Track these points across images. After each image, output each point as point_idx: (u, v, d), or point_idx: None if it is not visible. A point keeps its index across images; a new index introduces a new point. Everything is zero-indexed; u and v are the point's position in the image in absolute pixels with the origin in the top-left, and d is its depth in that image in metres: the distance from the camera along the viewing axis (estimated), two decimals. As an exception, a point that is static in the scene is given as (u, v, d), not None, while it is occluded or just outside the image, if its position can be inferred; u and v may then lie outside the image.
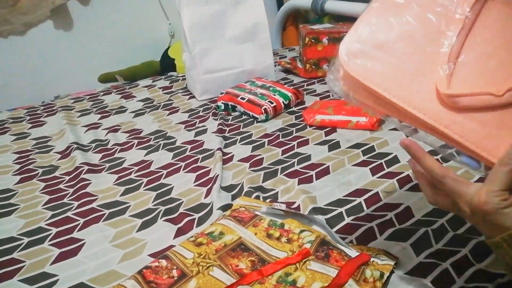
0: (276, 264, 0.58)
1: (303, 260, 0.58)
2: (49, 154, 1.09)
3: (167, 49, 1.99)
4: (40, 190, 0.90)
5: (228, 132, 1.12)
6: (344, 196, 0.77)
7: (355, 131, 1.04)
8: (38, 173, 0.98)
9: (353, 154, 0.93)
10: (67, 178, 0.95)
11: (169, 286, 0.55)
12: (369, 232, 0.67)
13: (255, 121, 1.17)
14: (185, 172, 0.92)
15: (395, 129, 1.05)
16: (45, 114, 1.38)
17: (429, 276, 0.56)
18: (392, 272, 0.57)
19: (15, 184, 0.94)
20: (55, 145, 1.14)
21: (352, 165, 0.88)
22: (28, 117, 1.36)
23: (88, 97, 1.52)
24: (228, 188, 0.84)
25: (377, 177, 0.82)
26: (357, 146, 0.97)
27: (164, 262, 0.59)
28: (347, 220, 0.70)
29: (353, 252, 0.60)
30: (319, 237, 0.62)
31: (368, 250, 0.61)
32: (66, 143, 1.12)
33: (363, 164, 0.88)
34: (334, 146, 0.98)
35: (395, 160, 0.88)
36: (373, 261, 0.58)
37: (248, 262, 0.59)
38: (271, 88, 1.27)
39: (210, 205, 0.77)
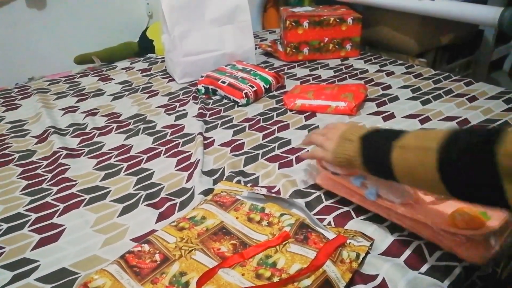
0: (257, 247, 0.60)
1: (283, 243, 0.60)
2: (25, 138, 1.06)
3: (145, 30, 1.95)
4: (17, 176, 0.89)
5: (209, 116, 1.12)
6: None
7: (334, 116, 1.06)
8: (15, 158, 0.96)
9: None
10: (45, 163, 0.93)
11: (152, 270, 0.56)
12: (346, 214, 0.69)
13: (236, 105, 1.17)
14: (166, 157, 0.92)
15: (372, 113, 1.07)
16: (20, 96, 1.34)
17: (403, 256, 0.59)
18: (368, 253, 0.60)
19: (-9, 169, 0.92)
20: (31, 129, 1.11)
21: (331, 150, 0.90)
22: (2, 100, 1.32)
23: (64, 79, 1.48)
24: (209, 173, 0.85)
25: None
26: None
27: (146, 247, 0.60)
28: (326, 203, 0.72)
29: (330, 235, 0.62)
30: (299, 220, 0.64)
31: (345, 232, 0.64)
32: (42, 127, 1.09)
33: (341, 148, 0.90)
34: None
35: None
36: (349, 242, 0.60)
37: (230, 246, 0.61)
38: (252, 72, 1.26)
39: (192, 190, 0.78)
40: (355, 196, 0.69)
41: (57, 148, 0.96)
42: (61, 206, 0.77)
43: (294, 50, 1.51)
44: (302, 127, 1.01)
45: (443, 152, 0.47)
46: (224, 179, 0.81)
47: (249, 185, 0.79)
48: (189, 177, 0.83)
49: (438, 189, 0.49)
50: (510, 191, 0.41)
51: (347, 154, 0.62)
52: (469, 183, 0.46)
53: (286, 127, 1.02)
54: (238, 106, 1.17)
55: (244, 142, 0.96)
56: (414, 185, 0.58)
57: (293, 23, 1.47)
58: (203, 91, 1.26)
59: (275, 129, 1.01)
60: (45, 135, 1.05)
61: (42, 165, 0.92)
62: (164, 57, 1.51)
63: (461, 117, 1.01)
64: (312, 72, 1.41)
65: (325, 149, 0.67)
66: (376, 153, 0.58)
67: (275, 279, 0.54)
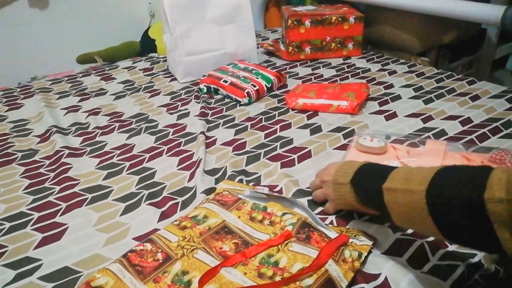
0: (259, 246, 0.60)
1: (285, 242, 0.60)
2: (28, 137, 1.07)
3: (147, 30, 1.95)
4: (20, 175, 0.89)
5: (211, 116, 1.12)
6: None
7: (336, 115, 1.06)
8: (17, 157, 0.97)
9: (334, 138, 0.94)
10: (47, 162, 0.93)
11: (154, 269, 0.56)
12: (348, 213, 0.69)
13: (238, 105, 1.17)
14: (168, 156, 0.92)
15: (375, 112, 1.07)
16: (22, 96, 1.34)
17: (405, 255, 0.59)
18: (370, 252, 0.60)
19: (-6, 168, 0.92)
20: (34, 128, 1.11)
21: (333, 149, 0.90)
22: (5, 99, 1.32)
23: (66, 78, 1.48)
24: (211, 172, 0.85)
25: (357, 161, 0.84)
26: (338, 129, 0.98)
27: (149, 246, 0.60)
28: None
29: (333, 234, 0.62)
30: (301, 220, 0.64)
31: (347, 231, 0.64)
32: (45, 126, 1.10)
33: (343, 147, 0.90)
34: (315, 129, 0.99)
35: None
36: (352, 242, 0.60)
37: (232, 245, 0.61)
38: (254, 71, 1.26)
39: (194, 189, 0.78)
40: None
41: (60, 147, 0.97)
42: (64, 205, 0.77)
43: (296, 49, 1.51)
44: (304, 126, 1.01)
45: (431, 196, 0.46)
46: (226, 178, 0.81)
47: (251, 184, 0.79)
48: (191, 176, 0.83)
49: (435, 233, 0.47)
50: (504, 237, 0.40)
51: (344, 198, 0.63)
52: (462, 230, 0.44)
53: (288, 126, 1.02)
54: (240, 105, 1.17)
55: (246, 141, 0.96)
56: (413, 228, 0.57)
57: (295, 22, 1.47)
58: (205, 90, 1.26)
59: (277, 128, 1.01)
60: (47, 134, 1.06)
61: (45, 164, 0.93)
62: (166, 57, 1.52)
63: (463, 116, 1.01)
64: (314, 71, 1.41)
65: (330, 200, 0.68)
66: (370, 197, 0.57)
67: (277, 278, 0.54)
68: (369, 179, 0.58)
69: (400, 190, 0.51)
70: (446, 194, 0.44)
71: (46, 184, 0.84)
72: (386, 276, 0.55)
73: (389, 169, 0.56)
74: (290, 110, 1.11)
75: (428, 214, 0.46)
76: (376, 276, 0.56)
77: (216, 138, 0.99)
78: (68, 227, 0.71)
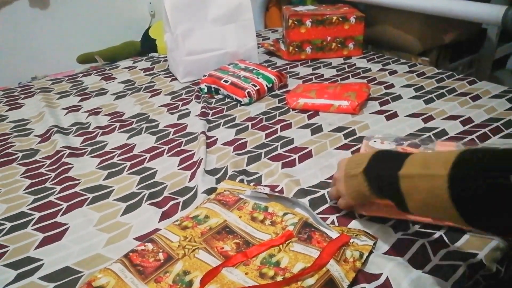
0: (260, 246, 0.60)
1: (287, 242, 0.60)
2: (29, 137, 1.07)
3: (147, 29, 1.95)
4: (21, 175, 0.89)
5: (211, 116, 1.12)
6: (326, 179, 0.79)
7: (337, 115, 1.06)
8: (18, 157, 0.97)
9: (335, 138, 0.94)
10: (48, 162, 0.93)
11: (156, 269, 0.56)
12: (349, 213, 0.69)
13: (239, 104, 1.17)
14: (168, 156, 0.92)
15: (375, 112, 1.07)
16: (23, 96, 1.34)
17: (406, 255, 0.59)
18: (371, 252, 0.60)
19: (-6, 168, 0.92)
20: (35, 128, 1.11)
21: (334, 149, 0.90)
22: (5, 99, 1.32)
23: (67, 78, 1.48)
24: (212, 172, 0.85)
25: (358, 160, 0.84)
26: (339, 129, 0.98)
27: (150, 246, 0.60)
28: (330, 202, 0.72)
29: (334, 234, 0.62)
30: (302, 220, 0.64)
31: (348, 231, 0.64)
32: (45, 126, 1.10)
33: (344, 147, 0.90)
34: (316, 129, 0.99)
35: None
36: (353, 241, 0.60)
37: (233, 245, 0.61)
38: (254, 71, 1.26)
39: (195, 189, 0.78)
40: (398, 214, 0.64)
41: (60, 147, 0.97)
42: (65, 205, 0.77)
43: (296, 49, 1.50)
44: (305, 126, 1.01)
45: (454, 180, 0.44)
46: (227, 178, 0.81)
47: (252, 184, 0.79)
48: (192, 176, 0.83)
49: (454, 218, 0.46)
50: None
51: (357, 190, 0.61)
52: (485, 214, 0.43)
53: (288, 126, 1.02)
54: (241, 105, 1.17)
55: (246, 141, 0.96)
56: (430, 215, 0.56)
57: (296, 22, 1.47)
58: (205, 90, 1.26)
59: (277, 128, 1.01)
60: (48, 134, 1.06)
61: (45, 164, 0.93)
62: (166, 56, 1.52)
63: (464, 116, 1.01)
64: (315, 71, 1.41)
65: (343, 196, 0.66)
66: (384, 185, 0.56)
67: (279, 278, 0.54)
68: (383, 167, 0.56)
69: (418, 176, 0.49)
70: (471, 178, 0.43)
71: (47, 184, 0.84)
72: (387, 276, 0.55)
73: (403, 155, 0.54)
74: (291, 110, 1.11)
75: (450, 199, 0.45)
76: (377, 276, 0.56)
77: (217, 138, 0.99)
78: (69, 227, 0.71)
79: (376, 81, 1.27)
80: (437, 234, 0.63)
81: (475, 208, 0.44)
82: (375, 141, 0.84)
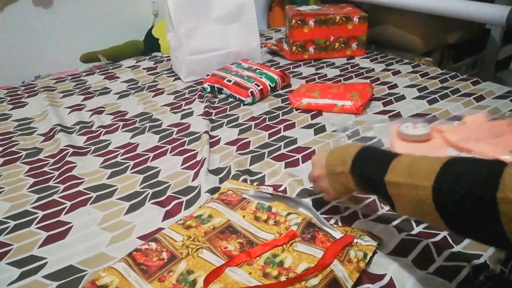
0: (264, 246, 0.60)
1: (290, 242, 0.60)
2: (32, 136, 1.07)
3: (150, 29, 1.95)
4: (25, 173, 0.89)
5: (214, 115, 1.12)
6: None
7: (340, 115, 1.06)
8: (22, 155, 0.97)
9: (338, 138, 0.94)
10: (51, 160, 0.93)
11: (159, 268, 0.56)
12: (353, 213, 0.69)
13: (242, 104, 1.17)
14: (172, 155, 0.92)
15: (379, 112, 1.06)
16: (26, 94, 1.34)
17: (410, 256, 0.59)
18: (375, 253, 0.60)
19: (-2, 166, 0.92)
20: (38, 127, 1.12)
21: (337, 149, 0.90)
22: (9, 98, 1.32)
23: (70, 77, 1.49)
24: (215, 171, 0.85)
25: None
26: (342, 129, 0.98)
27: (154, 245, 0.60)
28: (333, 202, 0.72)
29: (337, 234, 0.62)
30: (306, 220, 0.64)
31: (352, 231, 0.64)
32: (49, 125, 1.10)
33: (348, 147, 0.90)
34: (319, 129, 0.99)
35: (379, 143, 0.90)
36: (356, 242, 0.60)
37: (237, 244, 0.61)
38: (257, 71, 1.26)
39: (198, 188, 0.78)
40: None
41: (64, 146, 0.97)
42: (68, 203, 0.77)
43: (299, 49, 1.50)
44: (308, 126, 1.01)
45: (438, 193, 0.45)
46: (230, 177, 0.81)
47: (255, 183, 0.79)
48: (195, 176, 0.83)
49: (442, 226, 0.47)
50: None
51: (345, 185, 0.61)
52: (470, 226, 0.44)
53: (292, 126, 1.02)
54: (244, 104, 1.17)
55: (250, 140, 0.96)
56: (418, 219, 0.56)
57: (299, 22, 1.47)
58: (208, 89, 1.26)
59: (281, 128, 1.01)
60: (51, 133, 1.06)
61: (49, 162, 0.93)
62: (169, 56, 1.52)
63: (468, 116, 1.00)
64: (318, 71, 1.41)
65: (327, 192, 0.66)
66: (373, 187, 0.56)
67: (282, 278, 0.54)
68: (370, 169, 0.56)
69: (404, 184, 0.49)
70: (455, 192, 0.43)
71: (51, 183, 0.85)
72: (391, 277, 0.55)
73: (389, 157, 0.53)
74: (294, 109, 1.11)
75: (435, 210, 0.45)
76: (381, 277, 0.56)
77: (220, 138, 0.99)
78: (72, 225, 0.71)
79: (379, 81, 1.27)
80: (441, 235, 0.62)
81: (460, 221, 0.44)
82: (406, 126, 0.83)
